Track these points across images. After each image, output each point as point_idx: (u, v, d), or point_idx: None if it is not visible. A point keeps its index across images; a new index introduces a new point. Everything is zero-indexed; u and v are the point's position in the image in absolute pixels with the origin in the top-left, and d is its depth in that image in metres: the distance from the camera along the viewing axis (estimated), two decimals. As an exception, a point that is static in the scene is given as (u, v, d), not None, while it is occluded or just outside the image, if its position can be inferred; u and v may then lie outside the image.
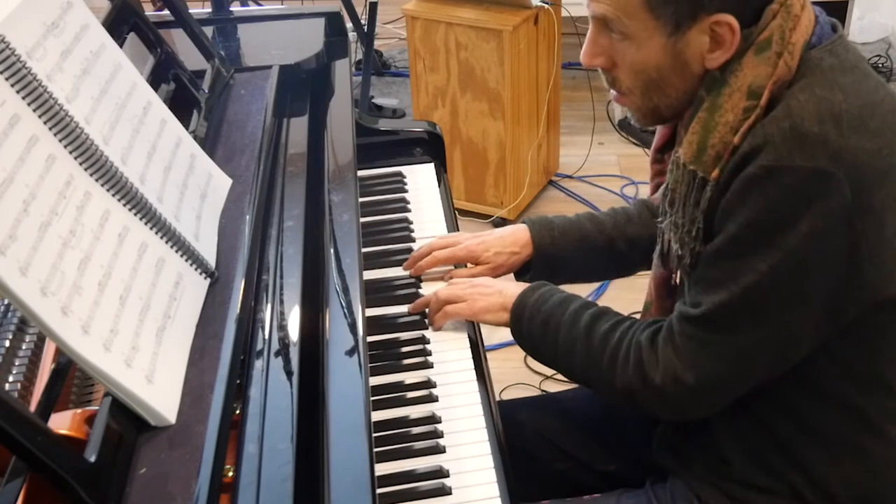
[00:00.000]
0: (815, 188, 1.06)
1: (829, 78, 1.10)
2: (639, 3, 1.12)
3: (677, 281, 1.29)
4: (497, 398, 1.38)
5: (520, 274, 1.57)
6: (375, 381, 1.31)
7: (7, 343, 1.02)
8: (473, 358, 1.39)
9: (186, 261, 1.09)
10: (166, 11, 1.65)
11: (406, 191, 1.78)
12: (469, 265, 1.56)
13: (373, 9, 3.42)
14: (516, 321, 1.37)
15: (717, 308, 1.15)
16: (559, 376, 2.20)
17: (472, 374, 1.36)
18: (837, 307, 1.13)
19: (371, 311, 1.44)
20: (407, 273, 1.55)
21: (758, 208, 1.09)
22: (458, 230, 1.71)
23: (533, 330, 1.35)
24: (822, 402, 1.22)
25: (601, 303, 1.35)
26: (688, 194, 1.16)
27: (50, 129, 0.96)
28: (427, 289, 1.51)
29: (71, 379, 1.02)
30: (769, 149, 1.07)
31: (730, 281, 1.13)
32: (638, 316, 1.38)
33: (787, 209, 1.08)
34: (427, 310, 1.45)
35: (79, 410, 0.94)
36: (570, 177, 3.54)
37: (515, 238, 1.54)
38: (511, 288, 1.40)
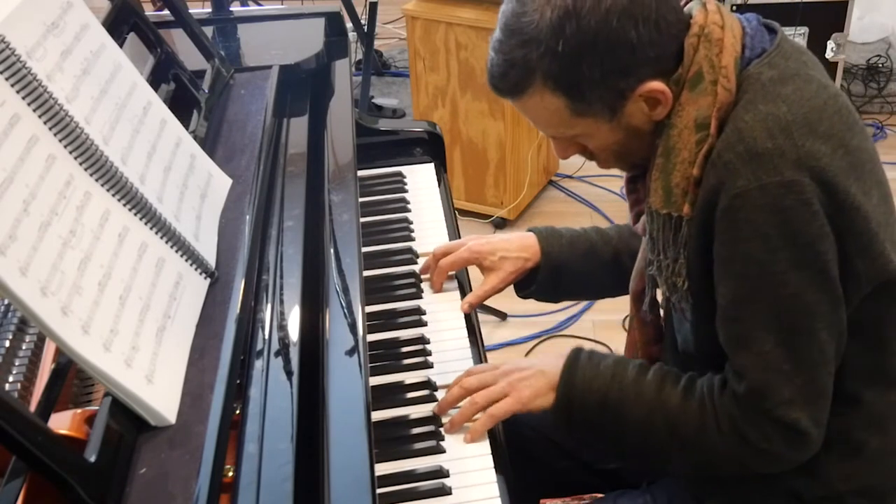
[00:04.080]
0: (790, 198, 1.07)
1: (770, 91, 1.11)
2: (568, 117, 1.16)
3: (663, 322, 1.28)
4: (497, 398, 1.37)
5: (521, 287, 1.54)
6: (375, 381, 1.31)
7: (7, 343, 1.02)
8: (473, 358, 1.39)
9: (186, 261, 1.09)
10: (166, 11, 1.65)
11: (406, 191, 1.78)
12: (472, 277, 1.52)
13: (373, 9, 3.42)
14: (566, 403, 1.25)
15: (763, 367, 1.12)
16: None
17: (473, 375, 1.36)
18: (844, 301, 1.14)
19: (371, 308, 1.45)
20: (406, 270, 1.55)
21: (749, 238, 1.09)
22: (458, 230, 1.71)
23: (588, 409, 1.25)
24: None
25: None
26: (667, 236, 1.17)
27: (50, 129, 0.96)
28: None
29: (71, 379, 1.02)
30: (733, 177, 1.08)
31: (760, 330, 1.12)
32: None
33: (774, 228, 1.08)
34: (449, 410, 1.28)
35: (79, 410, 0.94)
36: (570, 177, 3.54)
37: (523, 244, 1.50)
38: (550, 363, 1.28)
